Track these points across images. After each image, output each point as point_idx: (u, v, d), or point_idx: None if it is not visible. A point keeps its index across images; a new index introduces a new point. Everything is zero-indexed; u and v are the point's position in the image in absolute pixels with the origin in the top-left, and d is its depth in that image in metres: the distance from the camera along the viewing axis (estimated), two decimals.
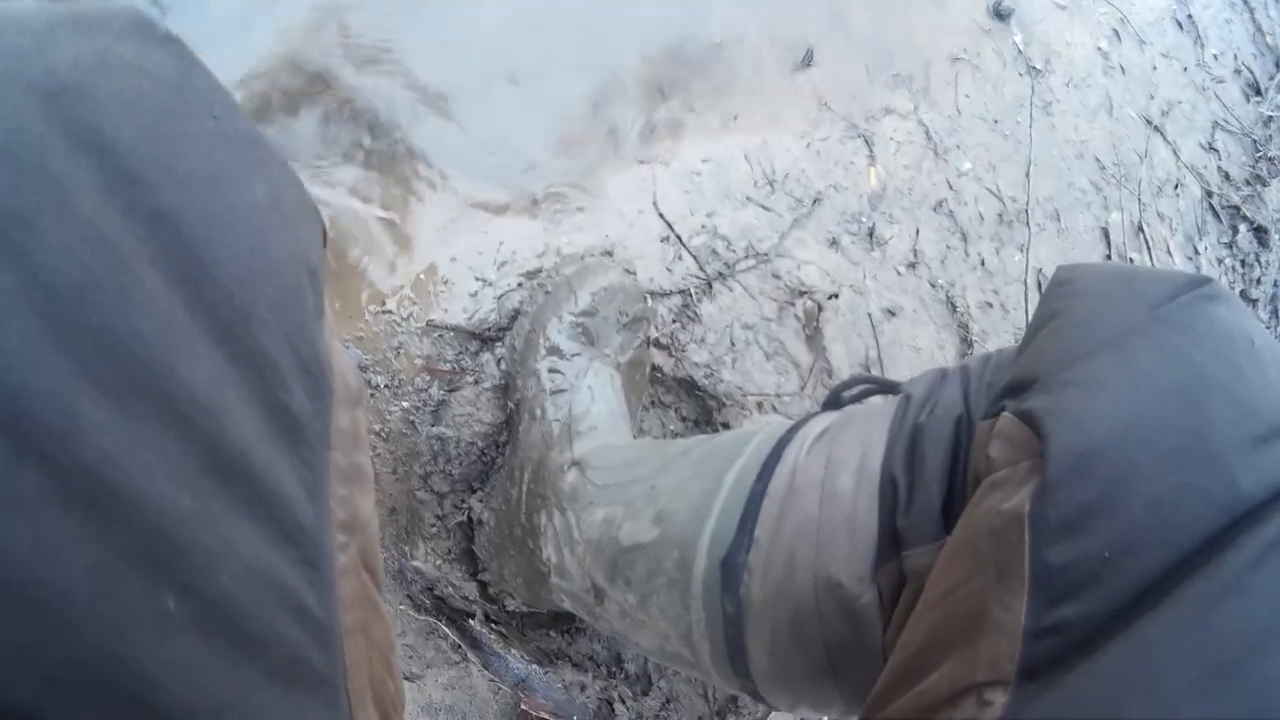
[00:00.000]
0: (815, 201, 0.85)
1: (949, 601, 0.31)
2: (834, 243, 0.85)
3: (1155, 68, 1.30)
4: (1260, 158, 1.42)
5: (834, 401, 0.53)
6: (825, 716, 0.47)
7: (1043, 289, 1.00)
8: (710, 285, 0.78)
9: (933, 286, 0.91)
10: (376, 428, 0.70)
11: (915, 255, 0.91)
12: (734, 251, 0.80)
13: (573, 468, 0.63)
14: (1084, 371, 0.30)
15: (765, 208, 0.83)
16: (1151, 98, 1.28)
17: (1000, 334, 0.95)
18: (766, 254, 0.81)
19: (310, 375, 0.25)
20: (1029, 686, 0.26)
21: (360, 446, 0.31)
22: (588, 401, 0.66)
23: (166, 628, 0.19)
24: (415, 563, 0.73)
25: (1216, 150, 1.36)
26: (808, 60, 0.92)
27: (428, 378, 0.70)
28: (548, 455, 0.65)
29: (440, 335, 0.71)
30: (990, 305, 0.95)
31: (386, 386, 0.70)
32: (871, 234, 0.88)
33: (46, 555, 0.18)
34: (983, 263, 0.96)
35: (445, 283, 0.71)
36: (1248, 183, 1.40)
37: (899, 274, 0.89)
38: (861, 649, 0.40)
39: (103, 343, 0.19)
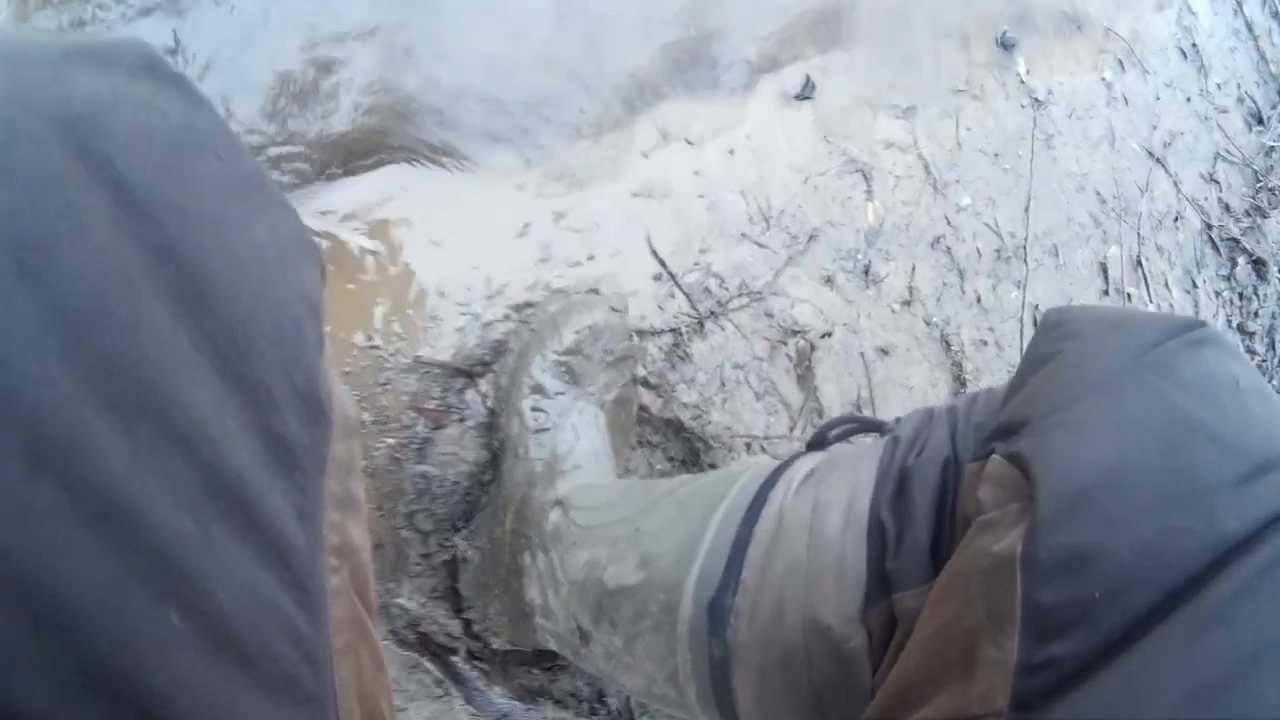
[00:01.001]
0: (811, 238, 0.84)
1: (940, 639, 0.32)
2: (829, 280, 0.85)
3: (1158, 98, 1.30)
4: (1261, 188, 1.42)
5: (820, 441, 0.53)
6: None
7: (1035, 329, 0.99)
8: (702, 324, 0.77)
9: (927, 324, 0.91)
10: (362, 463, 0.69)
11: (911, 293, 0.90)
12: (727, 289, 0.79)
13: (555, 507, 0.63)
14: (1072, 415, 0.31)
15: (760, 244, 0.82)
16: (1154, 128, 1.27)
17: (994, 372, 0.95)
18: (760, 292, 0.80)
19: (307, 406, 0.26)
20: (1020, 717, 0.27)
21: (355, 475, 0.32)
22: (571, 441, 0.66)
23: (171, 643, 0.20)
24: (399, 600, 0.72)
25: (1217, 181, 1.36)
26: (808, 91, 0.91)
27: (414, 415, 0.70)
28: (531, 495, 0.65)
29: (427, 372, 0.70)
30: (985, 343, 0.95)
31: (374, 423, 0.69)
32: (867, 271, 0.87)
33: (60, 569, 0.18)
34: (979, 300, 0.96)
35: (433, 318, 0.71)
36: (1248, 214, 1.40)
37: (893, 312, 0.88)
38: (850, 691, 0.40)
39: (114, 367, 0.20)
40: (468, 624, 0.73)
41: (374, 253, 0.71)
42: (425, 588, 0.73)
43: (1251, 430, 0.29)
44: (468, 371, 0.71)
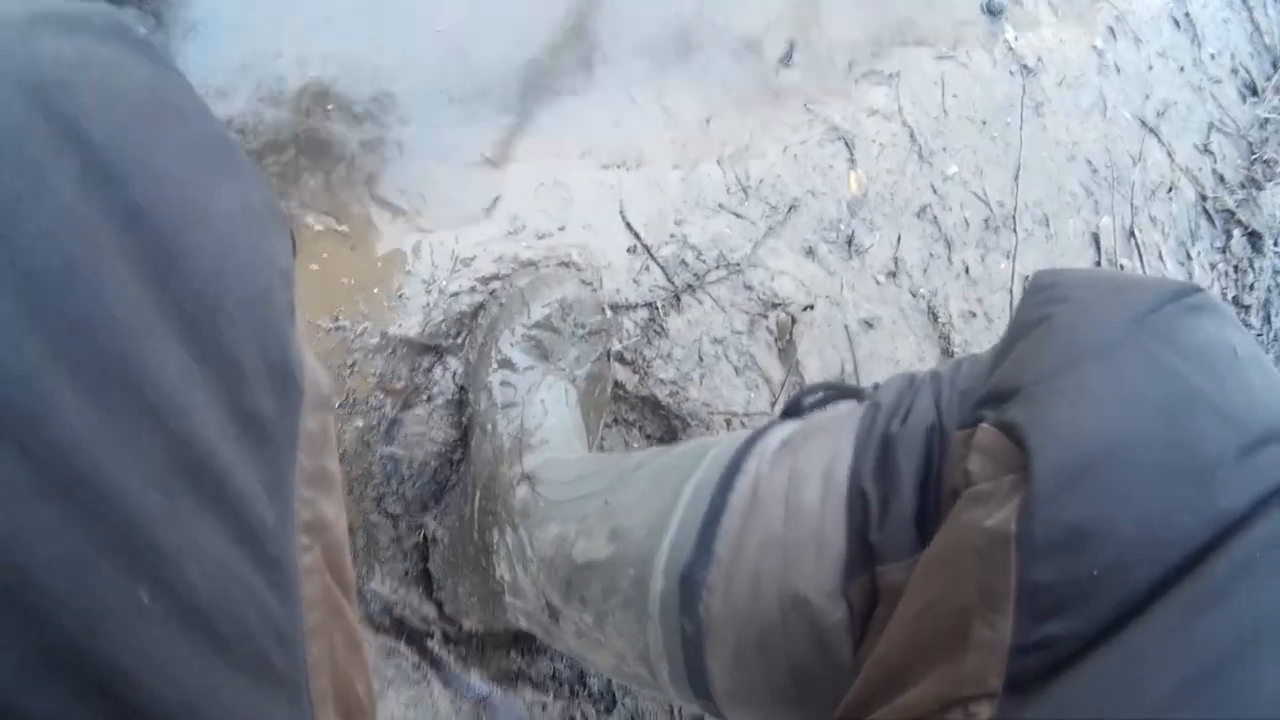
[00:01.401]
0: (791, 208, 0.82)
1: (929, 617, 0.31)
2: (810, 251, 0.82)
3: (1151, 67, 1.27)
4: (1255, 160, 1.39)
5: (795, 409, 0.51)
6: None
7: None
8: (678, 297, 0.75)
9: (914, 296, 0.88)
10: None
11: (896, 264, 0.88)
12: (704, 262, 0.77)
13: (523, 482, 0.61)
14: (1068, 383, 0.30)
15: (738, 215, 0.79)
16: (1147, 98, 1.25)
17: (983, 344, 0.92)
18: (738, 264, 0.78)
19: (277, 375, 0.26)
20: (1015, 698, 0.26)
21: (328, 450, 0.31)
22: (540, 415, 0.64)
23: (140, 621, 0.20)
24: (372, 585, 0.70)
25: (1211, 152, 1.33)
26: (788, 57, 0.89)
27: (381, 396, 0.68)
28: (498, 470, 0.63)
29: (394, 351, 0.68)
30: (974, 315, 0.93)
31: (341, 405, 0.67)
32: (850, 242, 0.85)
33: (22, 543, 0.17)
34: (967, 270, 0.93)
35: (399, 295, 0.69)
36: (1242, 185, 1.37)
37: (878, 283, 0.86)
38: (829, 668, 0.39)
39: (79, 330, 0.19)
40: (441, 606, 0.71)
41: (337, 231, 0.69)
42: (397, 572, 0.71)
43: (1251, 401, 0.28)
44: (435, 348, 0.69)
